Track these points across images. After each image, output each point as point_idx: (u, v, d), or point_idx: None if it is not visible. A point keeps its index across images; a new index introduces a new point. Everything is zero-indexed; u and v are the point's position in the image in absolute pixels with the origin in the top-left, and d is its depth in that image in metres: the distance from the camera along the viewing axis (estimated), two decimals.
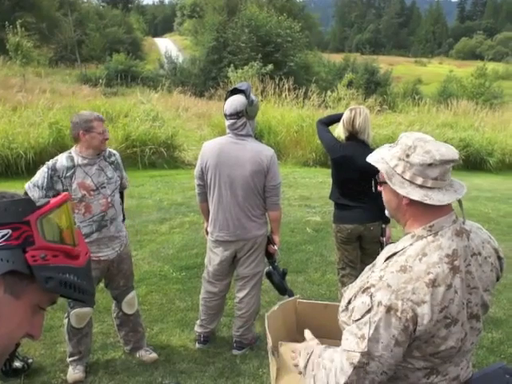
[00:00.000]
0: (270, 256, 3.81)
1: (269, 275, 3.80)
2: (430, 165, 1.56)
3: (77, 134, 3.28)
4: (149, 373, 3.57)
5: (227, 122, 3.55)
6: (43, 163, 9.56)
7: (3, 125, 10.35)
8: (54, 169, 3.24)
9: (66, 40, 42.85)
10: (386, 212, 1.79)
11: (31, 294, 0.90)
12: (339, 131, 3.93)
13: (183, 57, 42.93)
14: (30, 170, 9.55)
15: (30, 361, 3.53)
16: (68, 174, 3.25)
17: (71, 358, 3.51)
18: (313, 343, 1.82)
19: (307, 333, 1.92)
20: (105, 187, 3.36)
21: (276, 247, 3.77)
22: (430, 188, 1.57)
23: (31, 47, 23.31)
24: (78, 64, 38.82)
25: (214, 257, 3.78)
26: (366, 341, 1.50)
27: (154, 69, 38.45)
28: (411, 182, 1.59)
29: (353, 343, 1.53)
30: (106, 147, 3.43)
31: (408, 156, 1.59)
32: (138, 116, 12.12)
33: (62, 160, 3.28)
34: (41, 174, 3.25)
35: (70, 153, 3.34)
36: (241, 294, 3.82)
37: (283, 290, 3.80)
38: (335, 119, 4.17)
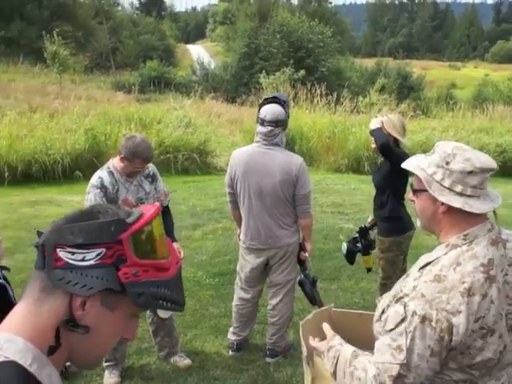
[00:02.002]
0: (301, 263, 3.80)
1: (301, 284, 3.79)
2: (470, 172, 1.55)
3: (120, 153, 3.30)
4: (183, 379, 3.60)
5: (263, 129, 3.52)
6: (79, 169, 9.77)
7: (41, 131, 10.64)
8: (103, 186, 3.25)
9: (101, 47, 43.64)
10: (418, 222, 1.77)
11: (125, 305, 0.95)
12: (402, 138, 3.91)
13: (215, 63, 43.25)
14: (67, 176, 9.78)
15: (68, 364, 3.56)
16: (114, 191, 3.28)
17: (107, 364, 3.57)
18: (335, 343, 1.76)
19: (326, 328, 1.86)
20: (143, 202, 3.38)
21: (307, 254, 3.76)
22: (468, 196, 1.56)
23: (68, 55, 23.84)
24: (112, 71, 39.51)
25: (245, 264, 3.80)
26: (404, 352, 1.49)
27: (187, 75, 38.79)
28: (450, 190, 1.57)
29: (387, 355, 1.52)
30: (135, 175, 3.40)
31: (448, 163, 1.58)
32: (171, 122, 12.27)
33: (106, 176, 3.29)
34: (95, 197, 3.22)
35: (109, 168, 3.34)
36: (274, 301, 3.81)
37: (313, 300, 3.78)
38: (381, 131, 3.89)
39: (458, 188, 1.56)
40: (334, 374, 1.69)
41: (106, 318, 0.95)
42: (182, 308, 1.03)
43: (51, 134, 10.50)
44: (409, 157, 3.85)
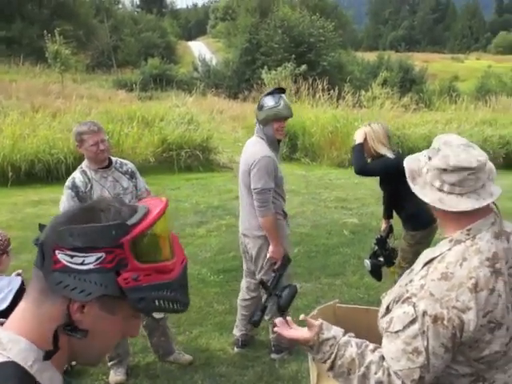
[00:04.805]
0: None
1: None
2: (444, 170, 1.54)
3: (76, 146, 3.39)
4: (189, 376, 3.61)
5: None
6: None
7: (44, 131, 10.65)
8: (75, 186, 3.29)
9: (102, 46, 43.69)
10: None
11: (126, 309, 0.92)
12: (386, 152, 3.82)
13: (216, 59, 43.19)
14: (70, 175, 9.77)
15: (74, 363, 3.60)
16: (87, 189, 3.30)
17: (111, 362, 3.58)
18: (329, 336, 1.62)
19: (309, 321, 1.67)
20: (121, 198, 3.38)
21: (267, 255, 3.58)
22: (447, 193, 1.55)
23: (69, 54, 23.85)
24: (114, 69, 39.52)
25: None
26: (422, 354, 1.47)
27: (188, 72, 38.76)
28: (432, 185, 1.58)
29: (403, 360, 1.50)
30: (105, 157, 3.38)
31: (430, 158, 1.60)
32: (173, 119, 12.27)
33: (78, 176, 3.33)
34: (66, 198, 3.30)
35: (82, 167, 3.38)
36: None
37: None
38: (360, 150, 3.87)
39: (437, 184, 1.57)
40: (331, 368, 1.61)
41: (106, 321, 0.93)
42: (186, 308, 0.98)
43: (54, 134, 10.51)
44: (391, 159, 3.82)
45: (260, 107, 3.51)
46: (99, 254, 0.87)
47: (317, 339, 1.63)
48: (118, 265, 0.88)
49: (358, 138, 3.85)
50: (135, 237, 0.88)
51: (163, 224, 0.93)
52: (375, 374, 1.52)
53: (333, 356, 1.60)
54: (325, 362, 1.62)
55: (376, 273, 4.13)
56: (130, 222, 0.89)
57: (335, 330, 1.65)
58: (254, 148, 3.56)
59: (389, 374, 1.50)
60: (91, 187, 3.32)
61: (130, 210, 0.93)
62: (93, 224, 0.89)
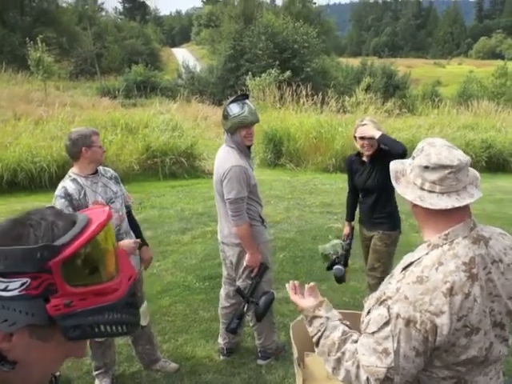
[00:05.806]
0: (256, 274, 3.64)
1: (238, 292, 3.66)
2: (426, 167, 1.57)
3: (78, 152, 3.25)
4: None
5: None
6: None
7: (26, 139, 10.54)
8: (68, 194, 3.22)
9: (85, 53, 43.46)
10: None
11: (60, 335, 0.82)
12: None
13: (201, 66, 43.21)
14: (53, 183, 9.67)
15: (58, 374, 3.53)
16: (81, 196, 3.25)
17: (97, 372, 3.54)
18: (322, 314, 1.77)
19: (311, 289, 1.89)
20: (114, 201, 3.38)
21: (244, 263, 3.60)
22: (428, 191, 1.58)
23: (52, 62, 23.67)
24: (97, 77, 39.32)
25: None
26: (391, 356, 1.50)
27: (173, 79, 38.72)
28: (414, 184, 1.62)
29: (373, 358, 1.53)
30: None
31: (414, 158, 1.64)
32: (157, 126, 12.23)
33: (69, 184, 3.26)
34: (60, 207, 3.18)
35: (71, 176, 3.31)
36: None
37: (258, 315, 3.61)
38: (389, 137, 3.89)
39: (419, 182, 1.60)
40: (316, 345, 1.74)
41: (40, 349, 0.82)
42: (135, 329, 0.87)
43: (36, 142, 10.40)
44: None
45: (225, 116, 3.45)
46: (24, 280, 0.77)
47: (312, 312, 1.77)
48: (47, 290, 0.78)
49: (375, 132, 3.76)
50: (66, 258, 0.78)
51: (106, 238, 0.84)
52: (346, 361, 1.61)
53: (319, 334, 1.73)
54: (312, 336, 1.75)
55: (342, 277, 4.16)
56: (59, 242, 0.79)
57: (333, 314, 1.77)
58: (224, 157, 3.53)
59: (358, 367, 1.58)
60: (85, 194, 3.27)
61: (67, 223, 0.83)
62: (15, 247, 0.78)
